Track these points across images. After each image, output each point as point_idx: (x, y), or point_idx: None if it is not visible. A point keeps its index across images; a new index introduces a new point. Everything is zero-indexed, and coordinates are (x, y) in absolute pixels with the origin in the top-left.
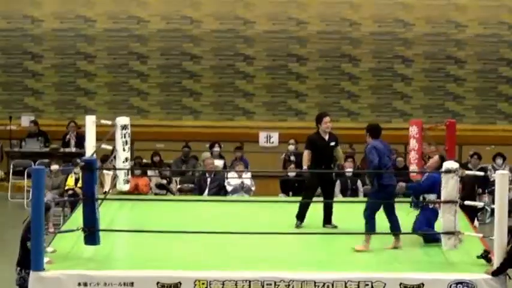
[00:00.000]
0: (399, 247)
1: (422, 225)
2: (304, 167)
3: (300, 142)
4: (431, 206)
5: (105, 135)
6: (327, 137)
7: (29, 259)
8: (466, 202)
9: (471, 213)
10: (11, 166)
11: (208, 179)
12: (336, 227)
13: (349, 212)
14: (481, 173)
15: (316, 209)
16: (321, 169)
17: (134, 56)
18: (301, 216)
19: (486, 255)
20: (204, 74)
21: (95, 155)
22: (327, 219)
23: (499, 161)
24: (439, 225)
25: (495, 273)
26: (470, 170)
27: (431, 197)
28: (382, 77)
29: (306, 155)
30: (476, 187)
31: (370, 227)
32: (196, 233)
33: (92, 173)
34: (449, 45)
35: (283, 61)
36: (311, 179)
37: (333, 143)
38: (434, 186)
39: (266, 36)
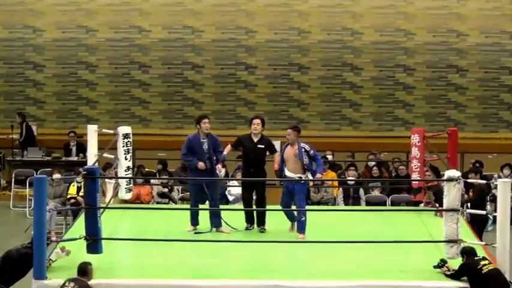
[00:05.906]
0: None
1: (302, 201)
2: (225, 153)
3: None
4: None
5: (106, 144)
6: (256, 139)
7: (8, 276)
8: (473, 211)
9: (480, 224)
10: (13, 175)
11: None
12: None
13: (349, 220)
14: (483, 181)
15: (322, 217)
16: (250, 171)
17: (136, 66)
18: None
19: (442, 265)
20: (205, 83)
21: (96, 164)
22: (260, 222)
23: (507, 171)
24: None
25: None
26: (476, 178)
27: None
28: (383, 86)
29: (228, 147)
30: (486, 195)
31: None
32: (199, 242)
33: (93, 182)
34: (451, 54)
35: (285, 70)
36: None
37: (262, 146)
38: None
39: (267, 45)
